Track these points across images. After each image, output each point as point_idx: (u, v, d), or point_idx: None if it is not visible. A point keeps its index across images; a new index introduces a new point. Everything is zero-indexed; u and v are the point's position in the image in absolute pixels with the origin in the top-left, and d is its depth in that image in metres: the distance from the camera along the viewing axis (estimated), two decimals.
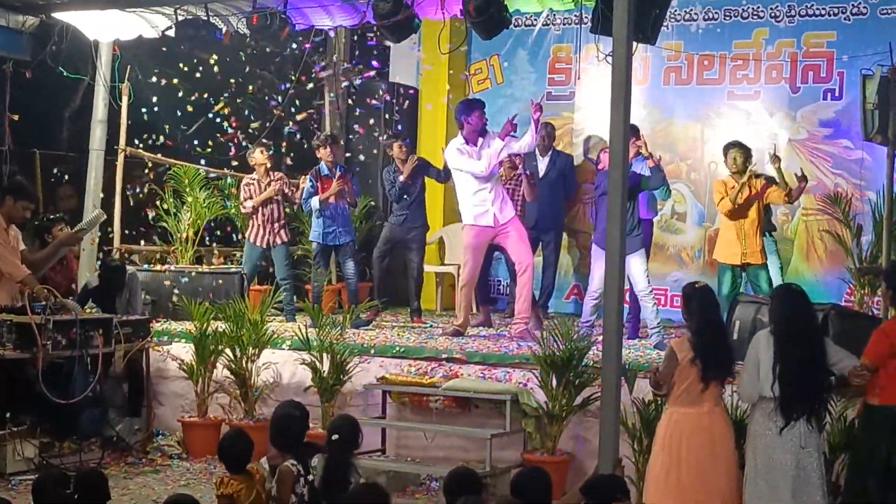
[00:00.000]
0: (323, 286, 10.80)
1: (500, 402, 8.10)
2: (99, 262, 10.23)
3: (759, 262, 9.27)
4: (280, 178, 10.78)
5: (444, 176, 10.61)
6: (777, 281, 9.67)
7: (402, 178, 10.55)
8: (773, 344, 6.20)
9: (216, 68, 11.48)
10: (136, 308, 9.75)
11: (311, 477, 5.92)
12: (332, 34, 12.05)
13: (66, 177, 11.95)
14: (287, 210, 10.95)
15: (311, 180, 10.54)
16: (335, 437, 6.04)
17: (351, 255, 10.66)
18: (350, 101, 12.69)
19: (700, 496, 6.27)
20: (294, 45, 11.56)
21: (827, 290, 10.41)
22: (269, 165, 10.68)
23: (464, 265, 9.80)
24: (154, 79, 11.43)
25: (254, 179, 10.69)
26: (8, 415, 8.06)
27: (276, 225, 10.68)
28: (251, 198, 10.60)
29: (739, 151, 9.42)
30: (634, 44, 7.09)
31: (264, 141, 11.16)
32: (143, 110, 11.27)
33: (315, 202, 10.48)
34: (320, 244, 10.60)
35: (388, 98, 12.43)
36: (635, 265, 9.06)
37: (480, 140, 9.58)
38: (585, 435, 7.97)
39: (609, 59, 7.05)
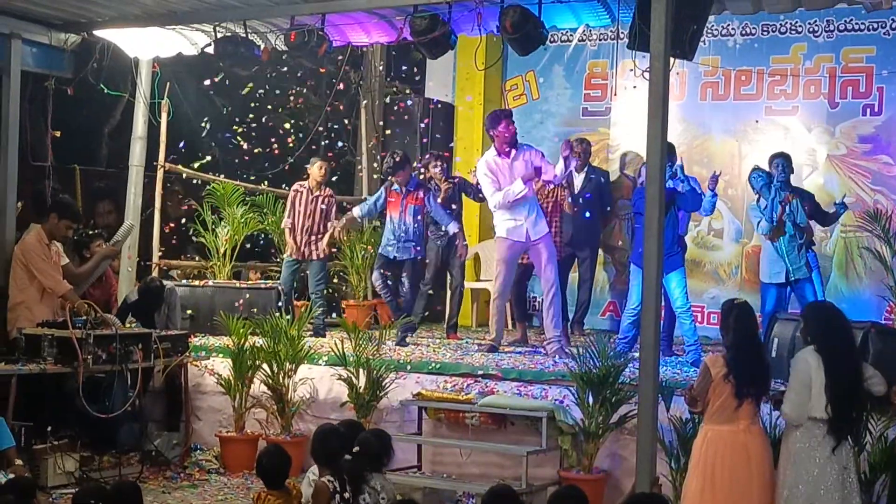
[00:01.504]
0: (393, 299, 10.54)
1: (536, 418, 8.07)
2: (140, 282, 10.31)
3: (803, 276, 9.17)
4: (329, 194, 10.76)
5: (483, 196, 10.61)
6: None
7: (438, 198, 10.52)
8: (822, 363, 6.13)
9: (254, 84, 11.55)
10: (175, 323, 9.84)
11: (346, 494, 5.95)
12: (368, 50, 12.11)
13: (106, 193, 12.06)
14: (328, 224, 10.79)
15: (382, 192, 10.43)
16: (356, 449, 6.09)
17: (410, 275, 10.40)
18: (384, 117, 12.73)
19: None
20: (331, 64, 11.59)
21: (866, 308, 10.33)
22: (320, 181, 10.68)
23: (495, 278, 9.80)
24: (193, 95, 11.53)
25: (303, 187, 10.67)
26: (49, 429, 8.13)
27: (313, 237, 10.62)
28: (293, 208, 10.58)
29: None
30: (671, 59, 7.08)
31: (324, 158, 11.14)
32: (181, 126, 11.36)
33: (365, 207, 10.48)
34: (380, 255, 10.46)
35: (422, 114, 12.45)
36: (674, 282, 9.04)
37: (513, 151, 9.54)
38: (622, 453, 7.93)
39: (646, 74, 7.04)
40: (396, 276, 10.43)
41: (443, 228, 10.47)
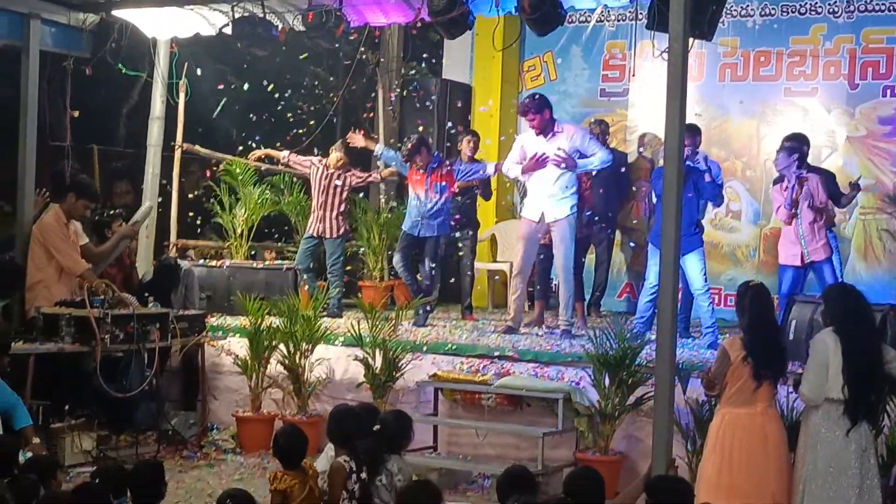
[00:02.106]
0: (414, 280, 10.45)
1: (552, 400, 8.09)
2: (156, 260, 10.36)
3: (821, 258, 9.12)
4: (352, 173, 10.70)
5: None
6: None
7: (454, 188, 10.47)
8: (839, 344, 6.11)
9: (271, 65, 11.52)
10: (192, 303, 9.87)
11: (363, 475, 5.96)
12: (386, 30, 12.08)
13: (124, 173, 12.09)
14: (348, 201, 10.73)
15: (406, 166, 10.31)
16: (376, 428, 6.09)
17: (430, 253, 10.23)
18: (404, 96, 12.69)
19: (751, 498, 6.20)
20: (348, 44, 11.55)
21: (885, 291, 10.27)
22: (338, 166, 10.63)
23: (515, 255, 9.79)
24: (211, 76, 11.51)
25: (320, 163, 10.58)
26: (66, 407, 8.20)
27: (330, 213, 10.53)
28: (302, 166, 10.64)
29: None
30: (690, 40, 7.03)
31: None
32: (199, 107, 11.36)
33: (389, 152, 10.46)
34: (405, 234, 10.33)
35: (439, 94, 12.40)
36: (692, 264, 9.01)
37: (550, 134, 9.46)
38: (638, 434, 7.93)
39: (665, 55, 7.00)
40: (417, 255, 10.39)
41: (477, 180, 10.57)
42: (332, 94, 11.94)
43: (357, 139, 10.60)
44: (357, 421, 6.22)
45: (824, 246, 9.14)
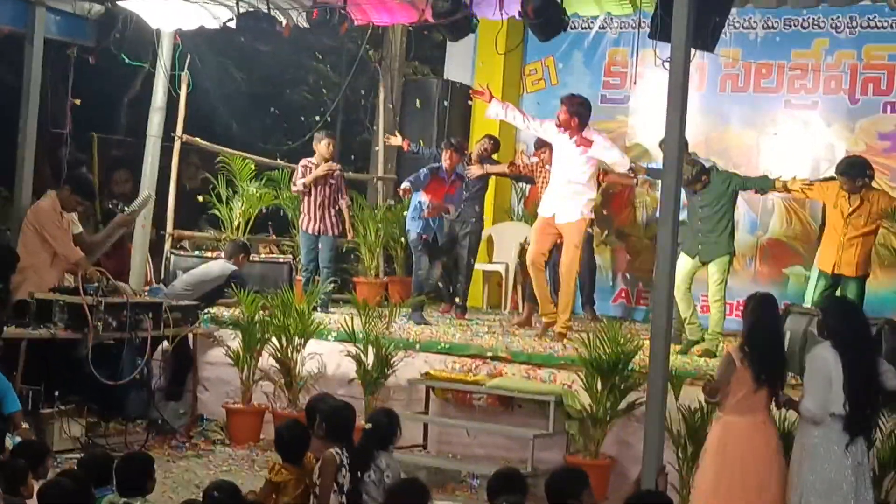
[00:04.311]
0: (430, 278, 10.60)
1: (543, 402, 8.09)
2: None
3: (851, 274, 9.02)
4: (339, 167, 10.75)
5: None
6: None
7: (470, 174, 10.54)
8: (839, 360, 6.11)
9: (274, 60, 11.53)
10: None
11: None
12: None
13: (123, 162, 12.08)
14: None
15: (427, 173, 10.33)
16: (368, 426, 6.11)
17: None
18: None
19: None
20: (351, 42, 11.56)
21: (881, 305, 10.27)
22: (328, 158, 10.65)
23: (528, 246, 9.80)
24: (213, 69, 11.52)
25: (312, 163, 10.63)
26: (56, 393, 8.16)
27: (326, 213, 10.57)
28: (303, 178, 10.56)
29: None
30: (692, 50, 7.05)
31: (329, 133, 11.13)
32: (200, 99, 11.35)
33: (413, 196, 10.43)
34: (419, 234, 10.41)
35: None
36: (711, 271, 9.03)
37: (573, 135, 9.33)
38: (629, 439, 7.93)
39: (666, 64, 7.01)
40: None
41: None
42: (334, 91, 11.91)
43: (394, 140, 10.87)
44: (354, 415, 6.26)
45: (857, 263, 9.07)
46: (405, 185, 10.31)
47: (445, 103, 12.34)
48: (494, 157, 11.07)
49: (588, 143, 9.18)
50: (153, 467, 5.54)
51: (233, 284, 9.65)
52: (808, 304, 8.87)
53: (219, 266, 10.07)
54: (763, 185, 9.47)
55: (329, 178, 10.59)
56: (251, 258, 10.79)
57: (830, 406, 6.10)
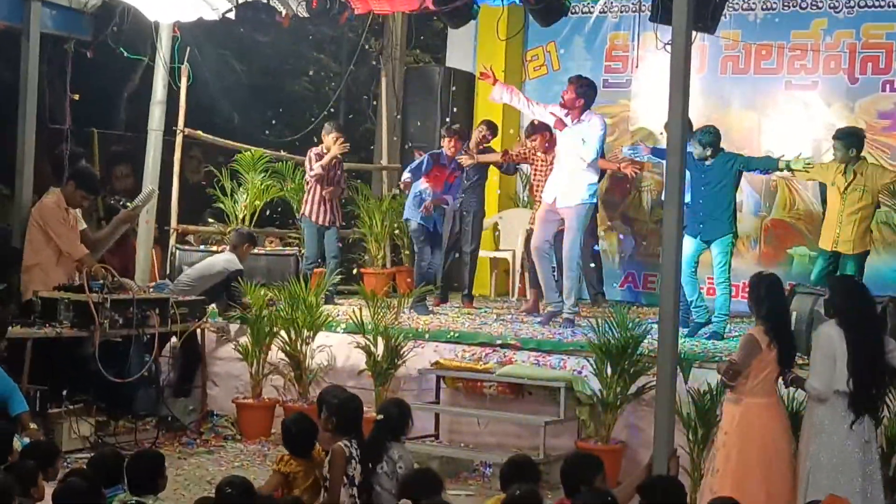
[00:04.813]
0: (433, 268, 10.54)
1: (554, 389, 8.09)
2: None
3: (849, 251, 9.00)
4: (347, 145, 10.68)
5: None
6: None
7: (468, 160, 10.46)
8: (843, 337, 6.13)
9: (274, 51, 11.48)
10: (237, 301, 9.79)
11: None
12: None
13: (124, 156, 12.05)
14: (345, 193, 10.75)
15: (429, 160, 10.24)
16: (380, 417, 6.10)
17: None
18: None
19: (764, 485, 6.22)
20: (352, 31, 11.51)
21: (884, 282, 10.28)
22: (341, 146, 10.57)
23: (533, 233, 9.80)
24: (213, 60, 11.48)
25: (323, 150, 10.51)
26: (65, 393, 8.13)
27: (333, 203, 10.47)
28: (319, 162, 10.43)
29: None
30: (693, 33, 7.03)
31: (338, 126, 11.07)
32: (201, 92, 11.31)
33: (414, 184, 10.30)
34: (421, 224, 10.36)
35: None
36: (715, 252, 9.02)
37: (575, 119, 9.31)
38: (640, 424, 7.93)
39: (668, 47, 6.99)
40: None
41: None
42: (335, 81, 11.86)
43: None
44: (362, 407, 6.25)
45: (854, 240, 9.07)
46: (406, 176, 10.26)
47: (453, 88, 12.29)
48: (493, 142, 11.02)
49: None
50: (164, 465, 5.53)
51: (239, 279, 9.59)
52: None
53: (222, 261, 10.00)
54: (768, 165, 9.45)
55: (337, 168, 10.53)
56: (256, 251, 10.76)
57: (835, 383, 6.12)
